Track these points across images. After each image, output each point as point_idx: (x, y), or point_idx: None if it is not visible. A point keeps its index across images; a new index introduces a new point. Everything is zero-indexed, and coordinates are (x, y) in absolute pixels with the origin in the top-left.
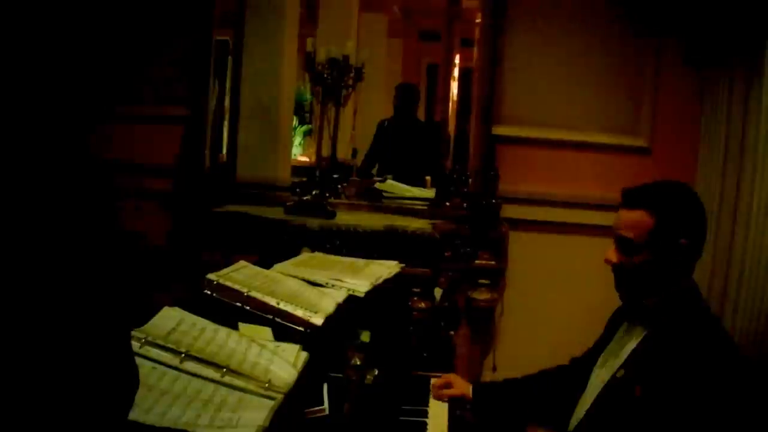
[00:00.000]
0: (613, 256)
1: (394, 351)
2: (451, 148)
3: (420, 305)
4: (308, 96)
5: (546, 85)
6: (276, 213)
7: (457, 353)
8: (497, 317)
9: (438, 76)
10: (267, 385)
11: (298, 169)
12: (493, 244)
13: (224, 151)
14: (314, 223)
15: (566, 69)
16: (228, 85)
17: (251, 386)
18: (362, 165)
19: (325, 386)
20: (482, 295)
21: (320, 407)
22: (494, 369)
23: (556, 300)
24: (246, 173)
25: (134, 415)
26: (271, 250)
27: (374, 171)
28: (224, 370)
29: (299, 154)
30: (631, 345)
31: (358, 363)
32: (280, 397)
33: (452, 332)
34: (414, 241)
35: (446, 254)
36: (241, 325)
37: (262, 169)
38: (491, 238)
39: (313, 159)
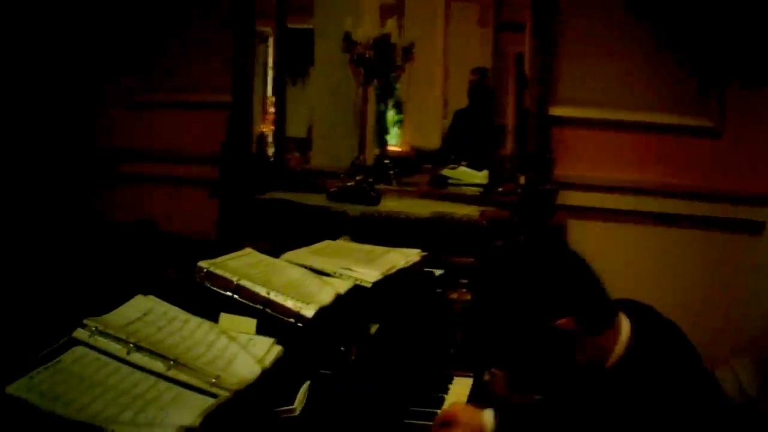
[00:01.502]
0: None
1: (415, 347)
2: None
3: (466, 297)
4: (396, 85)
5: (605, 61)
6: (321, 200)
7: None
8: None
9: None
10: (214, 380)
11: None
12: (548, 232)
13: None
14: (355, 210)
15: (626, 43)
16: None
17: (196, 382)
18: (439, 152)
19: (307, 384)
20: None
21: (290, 407)
22: None
23: (615, 293)
24: (320, 162)
25: (51, 405)
26: (311, 238)
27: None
28: (171, 363)
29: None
30: None
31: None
32: (225, 395)
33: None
34: (459, 229)
35: (498, 243)
36: (222, 315)
37: (336, 159)
38: (546, 226)
39: (405, 148)
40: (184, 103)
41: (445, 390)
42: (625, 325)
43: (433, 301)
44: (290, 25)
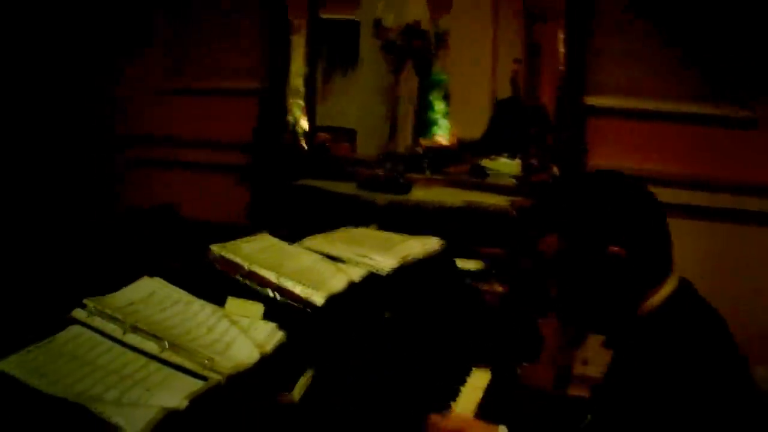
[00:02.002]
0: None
1: (433, 337)
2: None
3: (496, 288)
4: (443, 76)
5: (640, 50)
6: (351, 188)
7: (545, 343)
8: None
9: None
10: (207, 363)
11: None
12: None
13: None
14: (384, 198)
15: (662, 32)
16: None
17: (189, 364)
18: (480, 142)
19: (310, 372)
20: None
21: (288, 394)
22: (585, 362)
23: None
24: (366, 152)
25: (37, 382)
26: (339, 225)
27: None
28: (166, 344)
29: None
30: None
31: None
32: (216, 378)
33: (540, 319)
34: (488, 219)
35: (530, 233)
36: (230, 299)
37: (379, 148)
38: None
39: (451, 139)
40: (217, 89)
41: (462, 382)
42: (672, 281)
43: (457, 291)
44: (339, 16)
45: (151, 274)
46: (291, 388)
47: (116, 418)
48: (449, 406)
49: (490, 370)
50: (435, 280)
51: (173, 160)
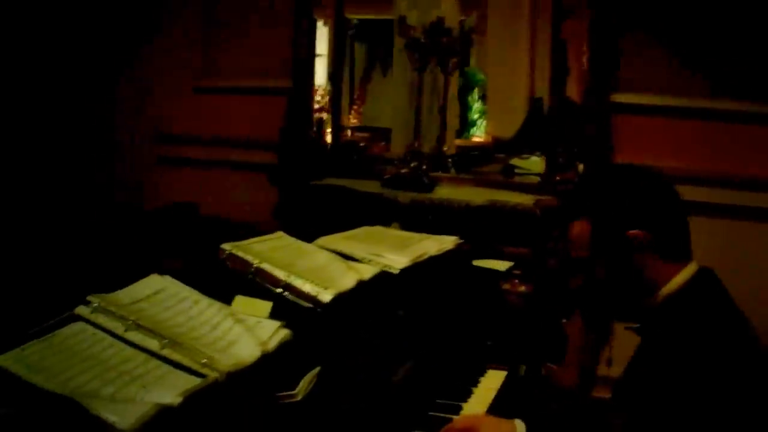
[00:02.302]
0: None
1: (448, 336)
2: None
3: (520, 288)
4: (481, 76)
5: (668, 47)
6: (375, 187)
7: (569, 344)
8: None
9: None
10: (205, 361)
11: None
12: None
13: None
14: (406, 197)
15: (691, 27)
16: None
17: (187, 361)
18: (513, 141)
19: (316, 370)
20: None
21: (291, 392)
22: (609, 363)
23: None
24: (400, 151)
25: (34, 377)
26: (363, 224)
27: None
28: (166, 341)
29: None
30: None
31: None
32: (214, 375)
33: (564, 320)
34: (512, 218)
35: (554, 233)
36: (237, 297)
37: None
38: None
39: (487, 138)
40: (246, 88)
41: (475, 383)
42: (690, 268)
43: (475, 291)
44: (378, 16)
45: (164, 272)
46: (295, 387)
47: (108, 413)
48: (460, 407)
49: (507, 371)
50: (450, 279)
51: (204, 159)
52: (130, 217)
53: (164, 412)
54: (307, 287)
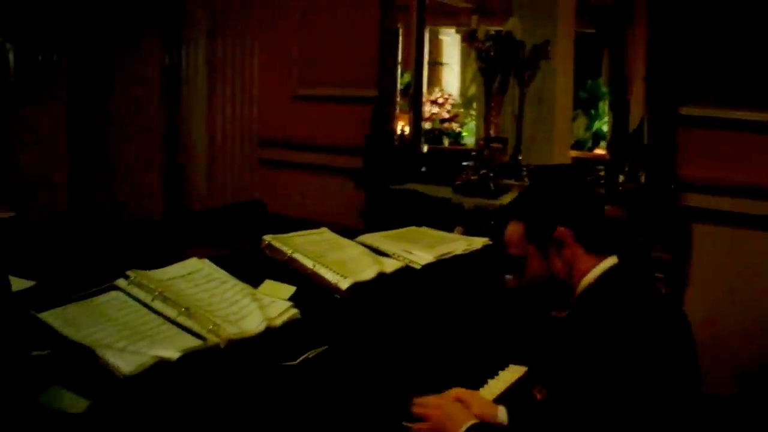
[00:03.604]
0: (511, 281)
1: (472, 331)
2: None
3: None
4: (605, 89)
5: (736, 56)
6: (447, 192)
7: None
8: None
9: None
10: (212, 328)
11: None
12: (669, 234)
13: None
14: (470, 202)
15: (753, 34)
16: None
17: (197, 327)
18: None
19: (323, 348)
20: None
21: (291, 362)
22: None
23: (744, 302)
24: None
25: (65, 330)
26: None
27: None
28: (183, 310)
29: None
30: None
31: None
32: (214, 340)
33: None
34: None
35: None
36: (266, 281)
37: (536, 158)
38: (667, 228)
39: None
40: (337, 97)
41: (493, 375)
42: (609, 261)
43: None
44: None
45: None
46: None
47: (114, 360)
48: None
49: (528, 368)
50: (475, 277)
51: (298, 162)
52: (208, 212)
53: (162, 364)
54: (329, 275)
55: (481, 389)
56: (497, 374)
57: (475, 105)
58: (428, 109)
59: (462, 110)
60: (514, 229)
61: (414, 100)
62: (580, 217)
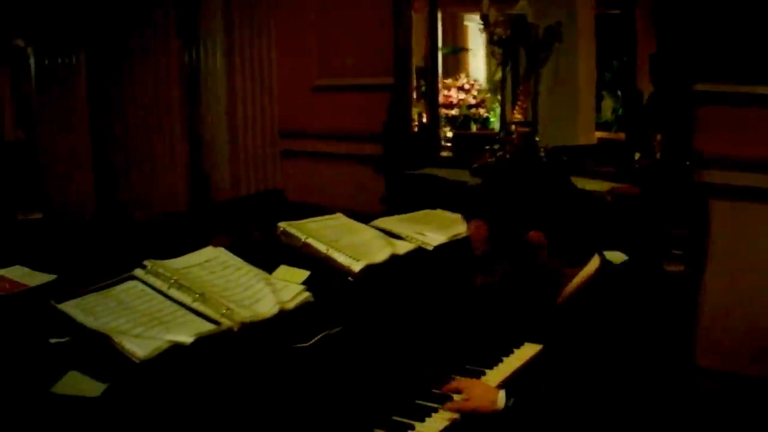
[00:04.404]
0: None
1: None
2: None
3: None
4: None
5: (747, 28)
6: (465, 176)
7: None
8: (701, 297)
9: None
10: (224, 312)
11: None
12: (685, 210)
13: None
14: None
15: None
16: None
17: (210, 312)
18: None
19: (336, 330)
20: (674, 267)
21: (304, 344)
22: None
23: (765, 278)
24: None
25: (83, 318)
26: (450, 210)
27: None
28: (197, 296)
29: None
30: None
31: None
32: (228, 324)
33: None
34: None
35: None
36: (281, 267)
37: (560, 139)
38: (683, 205)
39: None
40: (355, 86)
41: (508, 353)
42: (590, 266)
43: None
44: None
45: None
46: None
47: (129, 345)
48: (483, 372)
49: (543, 346)
50: None
51: (319, 151)
52: (229, 202)
53: (177, 348)
54: (342, 259)
55: (494, 368)
56: (512, 352)
57: (506, 90)
58: (455, 95)
59: (489, 95)
60: (478, 227)
61: (429, 86)
62: (557, 223)
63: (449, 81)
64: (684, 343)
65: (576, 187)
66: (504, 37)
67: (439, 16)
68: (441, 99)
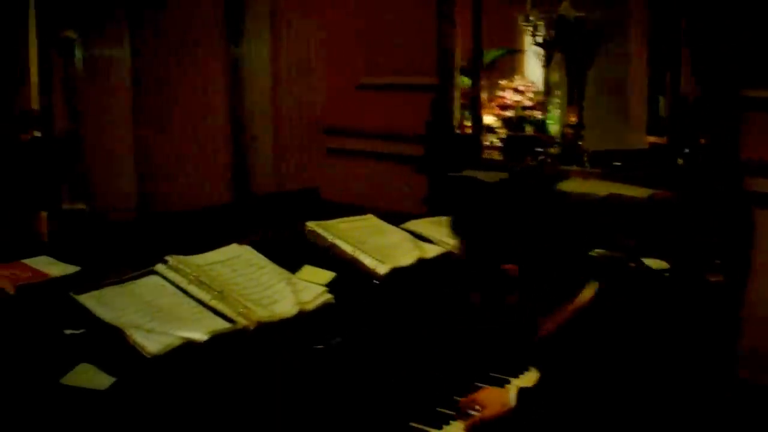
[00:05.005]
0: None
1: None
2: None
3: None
4: None
5: None
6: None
7: None
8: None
9: None
10: (242, 311)
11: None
12: (727, 219)
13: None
14: None
15: None
16: None
17: (227, 310)
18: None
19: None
20: (715, 277)
21: (320, 346)
22: None
23: None
24: (590, 145)
25: (99, 310)
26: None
27: None
28: (216, 293)
29: None
30: None
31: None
32: (243, 323)
33: None
34: (624, 210)
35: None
36: (305, 267)
37: (609, 143)
38: (726, 213)
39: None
40: (398, 85)
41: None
42: (586, 295)
43: None
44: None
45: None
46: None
47: (142, 340)
48: (507, 380)
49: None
50: None
51: (363, 150)
52: (263, 198)
53: (189, 345)
54: (368, 261)
55: (519, 376)
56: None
57: (557, 92)
58: (510, 97)
59: (545, 97)
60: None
61: (472, 87)
62: (532, 252)
63: (504, 82)
64: (726, 355)
65: (565, 196)
66: (547, 38)
67: (484, 17)
68: (496, 101)
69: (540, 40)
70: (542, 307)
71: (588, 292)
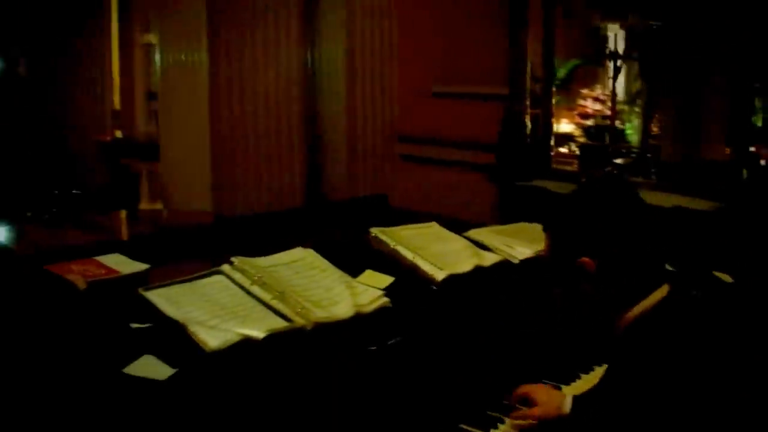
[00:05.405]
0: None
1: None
2: None
3: None
4: None
5: None
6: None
7: None
8: None
9: None
10: (300, 311)
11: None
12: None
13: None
14: None
15: None
16: None
17: (286, 310)
18: None
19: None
20: None
21: (374, 347)
22: None
23: None
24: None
25: (164, 306)
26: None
27: None
28: (277, 294)
29: None
30: None
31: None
32: (301, 322)
33: None
34: (689, 222)
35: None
36: (367, 271)
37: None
38: None
39: None
40: (471, 94)
41: (587, 370)
42: (657, 294)
43: None
44: None
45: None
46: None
47: (204, 336)
48: (559, 387)
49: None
50: None
51: (435, 157)
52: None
53: (247, 342)
54: (426, 267)
55: (572, 384)
56: (592, 369)
57: (639, 102)
58: (590, 106)
59: (627, 107)
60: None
61: (543, 97)
62: (610, 248)
63: (585, 91)
64: None
65: (645, 205)
66: (614, 50)
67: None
68: (577, 109)
69: (619, 50)
70: (617, 302)
71: (660, 293)
